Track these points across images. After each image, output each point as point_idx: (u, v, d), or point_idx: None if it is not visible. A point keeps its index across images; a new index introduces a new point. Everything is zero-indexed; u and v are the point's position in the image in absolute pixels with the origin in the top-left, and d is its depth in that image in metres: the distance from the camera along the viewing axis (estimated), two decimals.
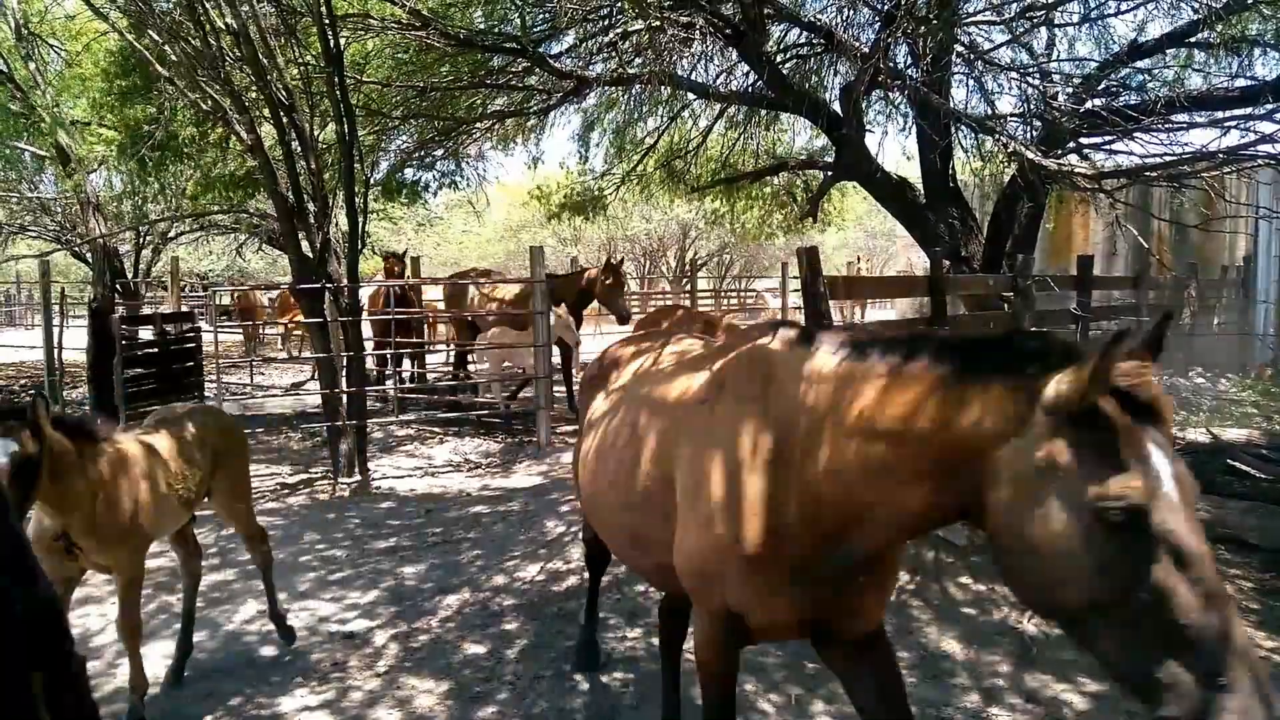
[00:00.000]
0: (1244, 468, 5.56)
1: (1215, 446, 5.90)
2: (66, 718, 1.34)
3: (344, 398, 7.64)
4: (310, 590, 5.12)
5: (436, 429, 9.57)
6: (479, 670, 4.10)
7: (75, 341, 10.74)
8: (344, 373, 7.75)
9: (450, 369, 12.83)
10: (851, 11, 9.01)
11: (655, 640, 4.37)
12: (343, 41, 7.93)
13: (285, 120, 7.35)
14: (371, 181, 10.17)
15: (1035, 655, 4.15)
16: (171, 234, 17.45)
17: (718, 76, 10.92)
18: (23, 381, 13.91)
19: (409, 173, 12.19)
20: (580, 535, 5.90)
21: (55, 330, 10.69)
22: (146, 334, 10.24)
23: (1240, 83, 8.17)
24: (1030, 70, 8.92)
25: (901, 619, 4.60)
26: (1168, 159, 7.99)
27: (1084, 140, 8.95)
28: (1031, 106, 8.67)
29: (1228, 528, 5.33)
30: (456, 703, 3.80)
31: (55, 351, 10.67)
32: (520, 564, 5.49)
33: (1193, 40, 8.32)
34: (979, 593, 4.90)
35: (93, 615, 4.79)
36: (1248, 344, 13.03)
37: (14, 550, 1.30)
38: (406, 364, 12.74)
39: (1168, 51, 8.75)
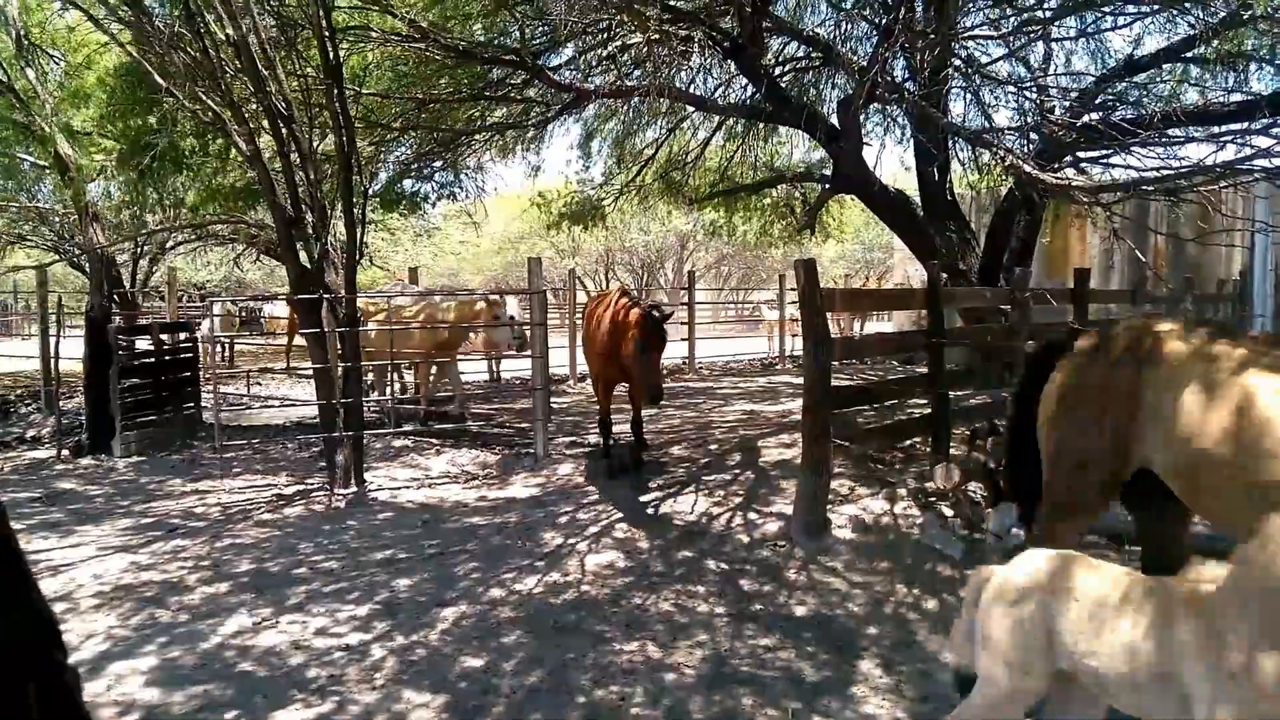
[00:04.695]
0: None
1: None
2: None
3: (340, 409, 7.62)
4: (305, 602, 5.10)
5: (433, 440, 9.55)
6: (476, 683, 4.08)
7: (72, 351, 10.73)
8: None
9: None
10: (850, 25, 9.06)
11: (655, 653, 4.36)
12: (342, 53, 7.95)
13: (284, 131, 7.36)
14: (370, 192, 10.18)
15: None
16: (169, 244, 17.44)
17: (716, 89, 10.98)
18: (19, 391, 13.88)
19: (408, 184, 12.21)
20: (577, 547, 5.90)
21: (52, 340, 10.68)
22: (144, 344, 10.22)
23: (1236, 97, 8.21)
24: (1027, 84, 8.97)
25: (900, 631, 4.59)
26: (1164, 173, 8.01)
27: (1081, 154, 8.98)
28: (1028, 120, 8.71)
29: (1227, 541, 5.33)
30: (453, 716, 3.78)
31: (52, 361, 10.66)
32: (518, 576, 5.47)
33: (1189, 55, 8.36)
34: None
35: (85, 626, 4.76)
36: None
37: (7, 557, 1.29)
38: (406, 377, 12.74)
39: (1164, 66, 8.79)
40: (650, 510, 6.64)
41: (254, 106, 7.80)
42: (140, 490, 7.93)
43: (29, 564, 1.43)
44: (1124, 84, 9.00)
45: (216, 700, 3.94)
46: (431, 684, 4.07)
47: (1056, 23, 8.51)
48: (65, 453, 9.32)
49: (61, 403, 10.58)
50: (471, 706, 3.86)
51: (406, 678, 4.14)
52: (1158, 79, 9.03)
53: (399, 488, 7.77)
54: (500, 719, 3.76)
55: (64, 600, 5.13)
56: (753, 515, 6.42)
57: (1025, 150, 8.66)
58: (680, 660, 4.30)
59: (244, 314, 19.82)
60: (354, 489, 7.53)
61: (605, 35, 9.33)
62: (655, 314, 7.03)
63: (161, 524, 6.78)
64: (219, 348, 16.48)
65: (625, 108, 11.49)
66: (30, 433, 10.67)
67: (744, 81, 10.39)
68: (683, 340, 16.80)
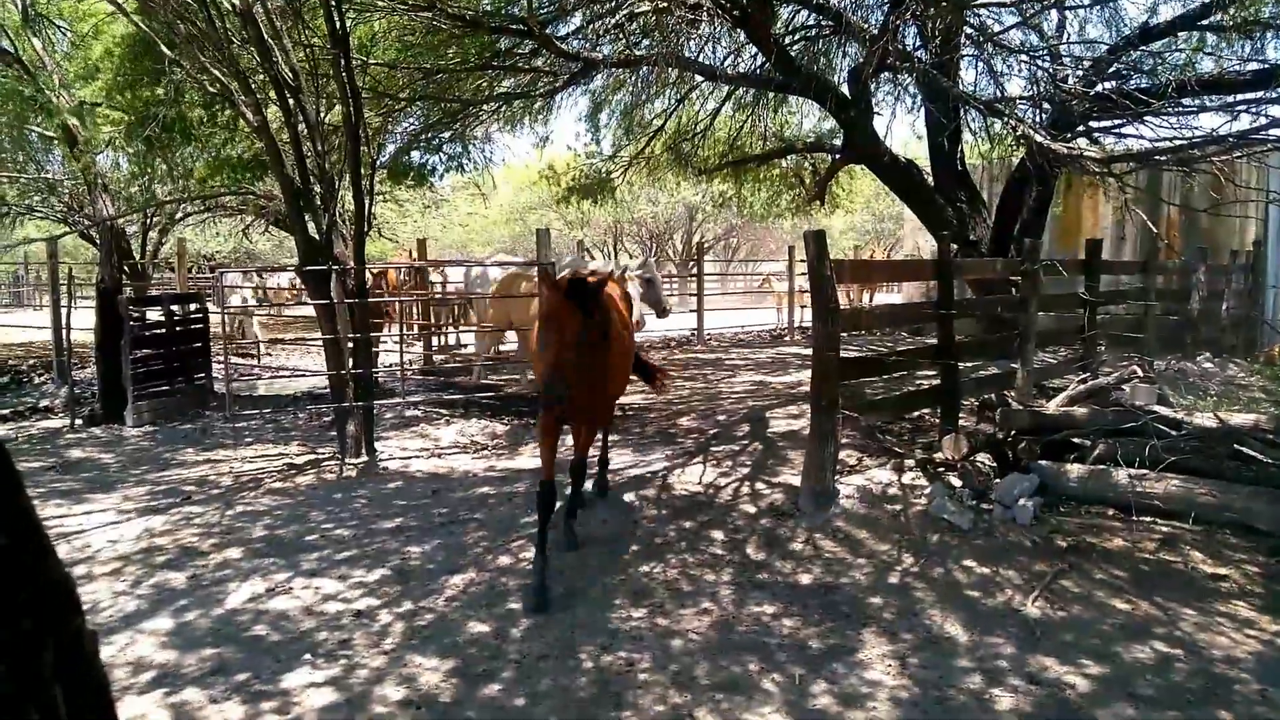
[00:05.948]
0: (1251, 453, 5.55)
1: (1222, 431, 5.88)
2: (78, 692, 1.36)
3: (351, 379, 7.66)
4: (316, 569, 5.16)
5: (443, 410, 9.61)
6: (484, 649, 4.14)
7: (83, 322, 10.79)
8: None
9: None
10: None
11: (661, 620, 4.41)
12: (349, 23, 7.91)
13: (291, 102, 7.34)
14: (378, 164, 10.16)
15: (1038, 637, 4.17)
16: (178, 215, 17.47)
17: (725, 58, 10.90)
18: (31, 361, 13.99)
19: (415, 155, 12.18)
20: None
21: (63, 311, 10.73)
22: (154, 315, 10.28)
23: (1252, 66, 8.11)
24: (1040, 53, 8.88)
25: (904, 601, 4.63)
26: (1178, 143, 7.95)
27: (1093, 123, 8.90)
28: (1041, 89, 8.62)
29: (1234, 512, 5.33)
30: (462, 680, 3.84)
31: (63, 332, 10.73)
32: (525, 544, 5.51)
33: (1204, 23, 8.26)
34: (982, 575, 4.92)
35: (101, 590, 4.84)
36: (1256, 328, 12.98)
37: (25, 525, 1.32)
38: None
39: (1179, 34, 8.69)
40: (658, 480, 6.68)
41: (261, 77, 7.77)
42: (153, 459, 8.01)
43: (45, 529, 1.46)
44: (1138, 52, 8.90)
45: (229, 662, 4.01)
46: (440, 649, 4.13)
47: None
48: (78, 422, 9.41)
49: (74, 373, 10.66)
50: (480, 671, 3.92)
51: (415, 643, 4.20)
52: (1172, 47, 8.92)
53: (409, 457, 7.83)
54: (508, 683, 3.82)
55: (80, 564, 5.21)
56: (760, 485, 6.45)
57: (1037, 120, 8.58)
58: (687, 627, 4.35)
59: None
60: (365, 458, 7.59)
61: (613, 3, 9.25)
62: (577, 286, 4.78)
63: (175, 491, 6.85)
64: (238, 320, 16.54)
65: (633, 78, 11.42)
66: (43, 403, 10.77)
67: (753, 50, 10.30)
68: (691, 312, 16.79)
